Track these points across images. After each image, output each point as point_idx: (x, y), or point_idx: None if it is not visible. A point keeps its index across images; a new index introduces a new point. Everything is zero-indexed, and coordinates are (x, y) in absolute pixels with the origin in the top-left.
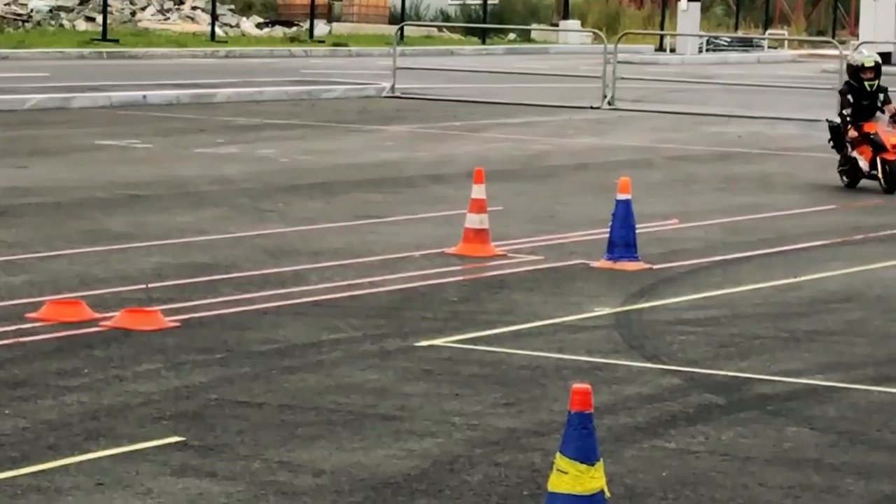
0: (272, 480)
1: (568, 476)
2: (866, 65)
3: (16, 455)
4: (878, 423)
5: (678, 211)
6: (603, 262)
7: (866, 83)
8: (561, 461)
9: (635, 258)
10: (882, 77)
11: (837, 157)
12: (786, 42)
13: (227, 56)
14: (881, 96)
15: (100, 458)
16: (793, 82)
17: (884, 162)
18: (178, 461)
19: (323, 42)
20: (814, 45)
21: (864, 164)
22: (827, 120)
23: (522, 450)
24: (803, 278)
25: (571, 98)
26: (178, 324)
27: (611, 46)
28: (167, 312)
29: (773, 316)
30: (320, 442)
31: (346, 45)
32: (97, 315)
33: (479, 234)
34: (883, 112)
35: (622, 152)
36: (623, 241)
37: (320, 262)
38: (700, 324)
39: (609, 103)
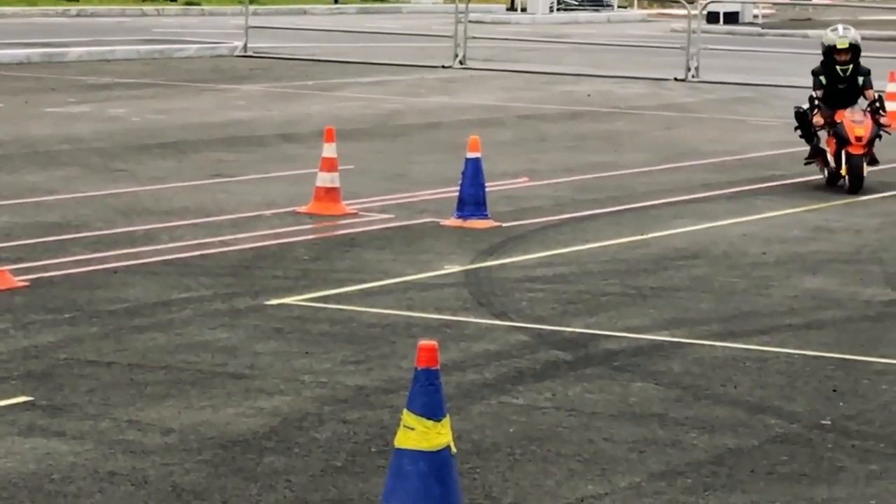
0: (121, 439)
1: (414, 432)
2: (839, 46)
3: None
4: (722, 377)
5: (528, 169)
6: (453, 221)
7: (839, 68)
8: (408, 417)
9: (485, 216)
10: (860, 57)
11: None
12: (636, 2)
13: (78, 15)
14: (861, 80)
15: None
16: (642, 41)
17: (848, 157)
18: (26, 421)
19: (175, 1)
20: (663, 4)
21: (830, 157)
22: (795, 106)
23: (371, 407)
24: (650, 235)
25: (423, 57)
26: (27, 283)
27: (462, 6)
28: (16, 272)
29: (621, 273)
30: (169, 401)
31: (198, 4)
32: None
33: (330, 193)
34: (865, 98)
35: (473, 111)
36: (473, 200)
37: (171, 221)
38: (548, 281)
39: (460, 62)
